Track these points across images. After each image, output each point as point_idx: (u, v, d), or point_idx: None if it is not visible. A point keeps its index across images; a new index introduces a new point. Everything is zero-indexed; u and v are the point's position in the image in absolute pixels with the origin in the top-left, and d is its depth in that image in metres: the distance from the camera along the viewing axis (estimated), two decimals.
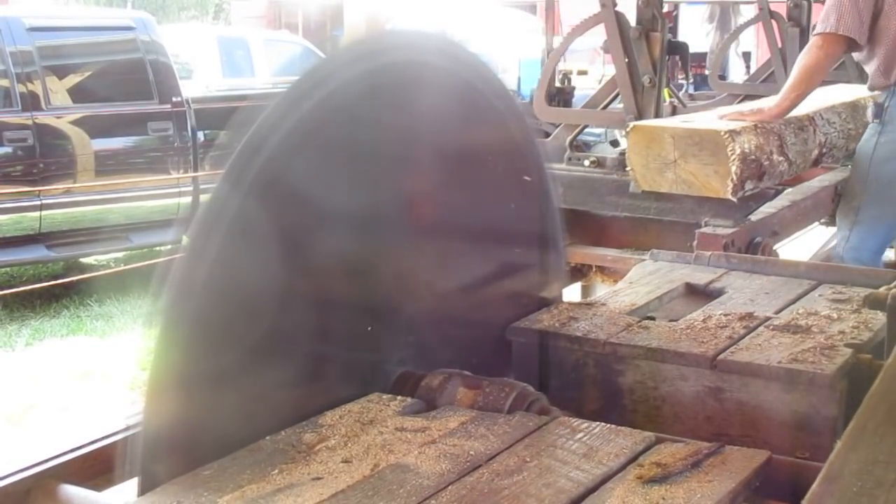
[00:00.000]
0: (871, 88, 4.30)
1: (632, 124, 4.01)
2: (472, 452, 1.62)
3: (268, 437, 1.65)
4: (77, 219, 7.47)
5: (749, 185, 3.92)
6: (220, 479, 1.52)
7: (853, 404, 1.80)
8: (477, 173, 2.23)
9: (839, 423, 1.96)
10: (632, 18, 4.44)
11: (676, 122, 4.11)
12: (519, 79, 14.93)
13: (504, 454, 1.62)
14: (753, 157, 3.85)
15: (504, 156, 2.32)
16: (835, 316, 2.32)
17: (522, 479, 1.53)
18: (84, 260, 8.23)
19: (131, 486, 1.89)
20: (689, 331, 2.23)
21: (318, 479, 1.52)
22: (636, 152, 3.91)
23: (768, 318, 2.31)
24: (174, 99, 7.86)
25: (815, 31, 4.15)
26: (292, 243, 1.73)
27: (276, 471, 1.54)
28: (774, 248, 4.26)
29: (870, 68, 4.22)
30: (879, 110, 4.12)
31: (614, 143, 6.94)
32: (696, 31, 17.69)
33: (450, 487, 1.50)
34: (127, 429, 1.94)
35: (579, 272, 4.55)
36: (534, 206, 2.41)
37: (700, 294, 2.62)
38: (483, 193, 2.25)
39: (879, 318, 2.17)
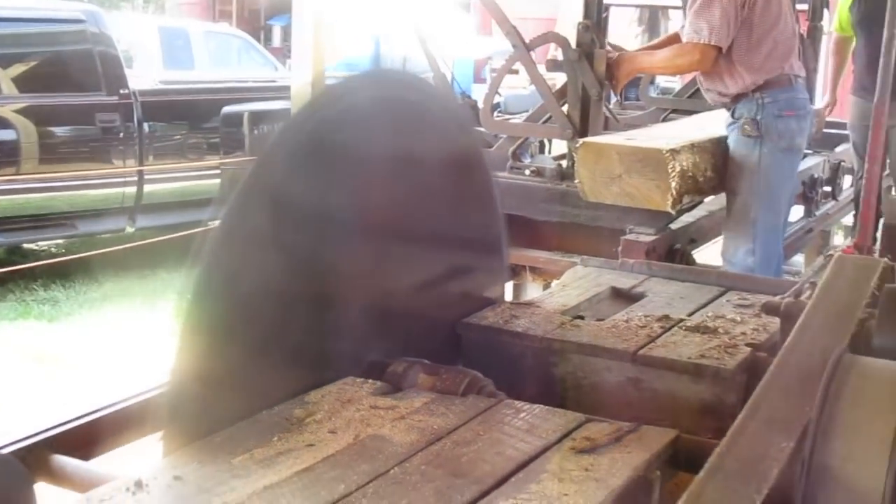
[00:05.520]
0: (732, 99, 4.56)
1: (581, 141, 4.35)
2: (435, 427, 1.95)
3: (264, 412, 1.97)
4: (22, 206, 7.64)
5: (686, 199, 4.30)
6: (230, 444, 1.83)
7: (751, 394, 2.16)
8: (433, 184, 2.54)
9: (738, 409, 2.29)
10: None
11: (622, 139, 4.47)
12: (453, 77, 15.22)
13: (461, 429, 1.96)
14: (691, 173, 4.23)
15: (455, 167, 2.65)
16: (738, 319, 2.66)
17: (478, 448, 1.86)
18: (27, 246, 8.41)
19: (115, 456, 2.20)
20: (613, 329, 2.56)
21: (311, 445, 1.84)
22: (585, 166, 4.25)
23: (682, 320, 2.64)
24: (121, 91, 8.06)
25: (692, 39, 4.45)
26: (294, 247, 2.06)
27: (276, 438, 1.86)
28: (692, 254, 4.66)
29: (728, 79, 4.53)
30: (756, 126, 4.40)
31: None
32: (624, 33, 18.08)
33: (419, 454, 1.83)
34: (113, 404, 2.26)
35: (513, 272, 4.89)
36: (481, 213, 2.75)
37: (624, 297, 2.94)
38: (439, 202, 2.57)
39: (776, 322, 2.50)
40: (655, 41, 5.67)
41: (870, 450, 1.68)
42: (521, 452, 1.86)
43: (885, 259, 2.47)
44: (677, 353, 2.41)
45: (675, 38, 5.05)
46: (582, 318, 2.71)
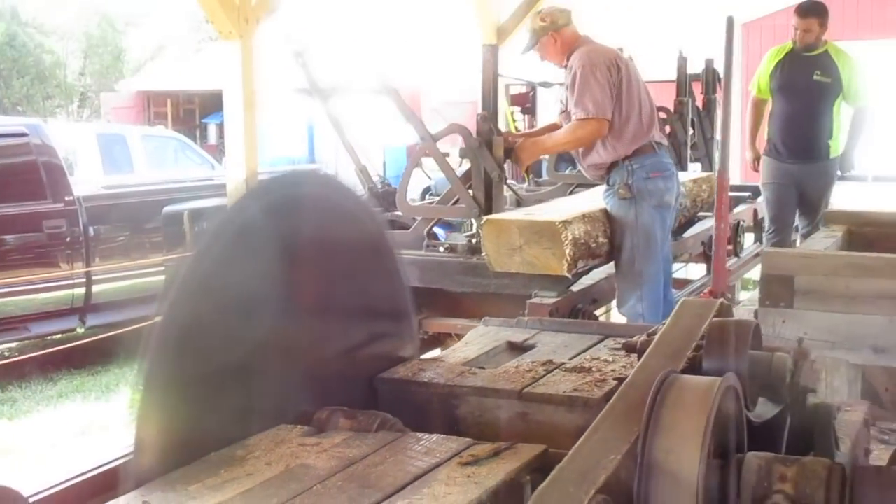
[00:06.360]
0: (606, 169, 5.26)
1: (485, 218, 4.90)
2: (351, 455, 2.42)
3: (213, 453, 2.44)
4: None
5: (581, 264, 4.85)
6: (185, 478, 2.29)
7: None
8: (349, 265, 3.03)
9: None
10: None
11: (521, 214, 5.02)
12: (384, 164, 15.81)
13: (372, 455, 2.43)
14: (583, 241, 4.78)
15: (367, 250, 3.15)
16: (610, 360, 3.14)
17: (385, 468, 2.34)
18: None
19: None
20: (504, 374, 3.03)
21: (251, 474, 2.31)
22: (490, 240, 4.79)
23: (563, 363, 3.12)
24: (66, 198, 8.53)
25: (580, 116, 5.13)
26: (233, 318, 2.54)
27: (223, 471, 2.32)
28: (596, 312, 5.19)
29: (602, 151, 5.22)
30: (629, 188, 5.09)
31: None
32: (551, 111, 18.76)
33: (337, 474, 2.30)
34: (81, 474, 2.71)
35: (437, 340, 5.38)
36: (390, 287, 3.24)
37: (518, 349, 3.39)
38: (356, 281, 3.06)
39: None
40: (535, 129, 6.32)
41: (686, 443, 2.16)
42: (418, 468, 2.34)
43: (722, 300, 2.99)
44: (555, 388, 2.88)
45: (554, 128, 5.67)
46: (482, 368, 3.17)
